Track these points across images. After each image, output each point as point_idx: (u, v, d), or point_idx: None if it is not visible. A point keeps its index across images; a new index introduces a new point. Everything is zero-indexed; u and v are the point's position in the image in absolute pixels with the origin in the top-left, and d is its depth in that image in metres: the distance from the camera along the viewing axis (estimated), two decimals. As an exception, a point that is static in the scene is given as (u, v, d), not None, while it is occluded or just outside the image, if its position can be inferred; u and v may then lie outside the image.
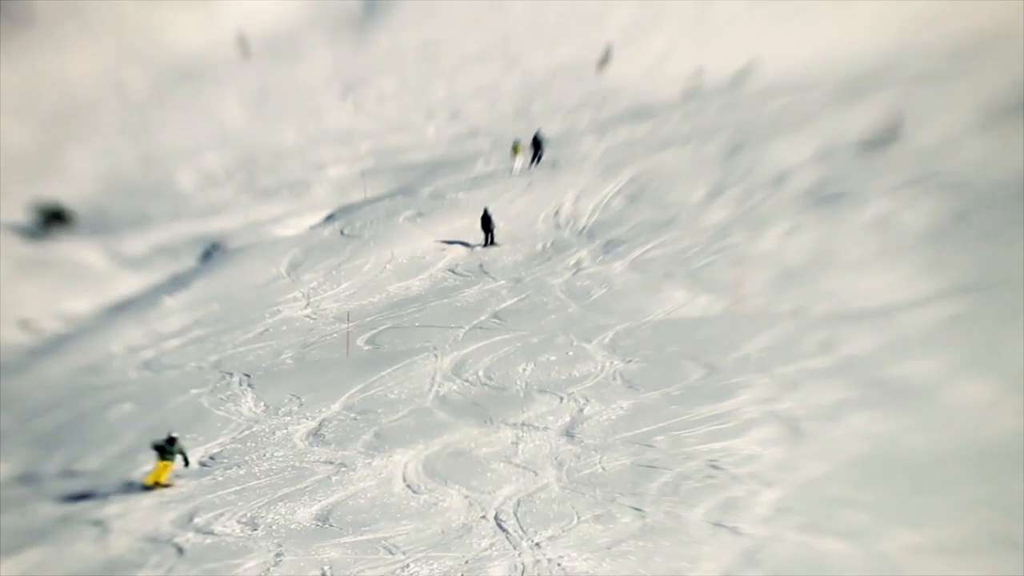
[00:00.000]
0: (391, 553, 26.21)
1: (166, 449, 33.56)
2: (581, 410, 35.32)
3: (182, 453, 33.75)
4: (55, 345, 55.83)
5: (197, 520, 30.08)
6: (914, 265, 44.94)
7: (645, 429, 32.74)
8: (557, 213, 61.48)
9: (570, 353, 41.18)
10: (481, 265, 55.87)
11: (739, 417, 32.67)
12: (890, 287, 43.49)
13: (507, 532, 26.77)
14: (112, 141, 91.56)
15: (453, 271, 56.04)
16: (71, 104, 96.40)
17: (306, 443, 35.82)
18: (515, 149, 68.30)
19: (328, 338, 48.66)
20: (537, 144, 69.22)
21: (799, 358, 37.26)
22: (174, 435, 33.82)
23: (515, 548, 25.72)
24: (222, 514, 30.31)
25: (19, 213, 73.79)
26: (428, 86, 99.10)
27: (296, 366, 45.30)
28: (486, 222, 58.33)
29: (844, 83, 71.56)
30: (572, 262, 54.25)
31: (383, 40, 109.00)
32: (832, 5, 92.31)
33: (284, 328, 51.01)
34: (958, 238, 46.60)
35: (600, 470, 30.34)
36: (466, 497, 29.49)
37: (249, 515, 29.86)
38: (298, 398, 40.00)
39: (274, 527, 28.86)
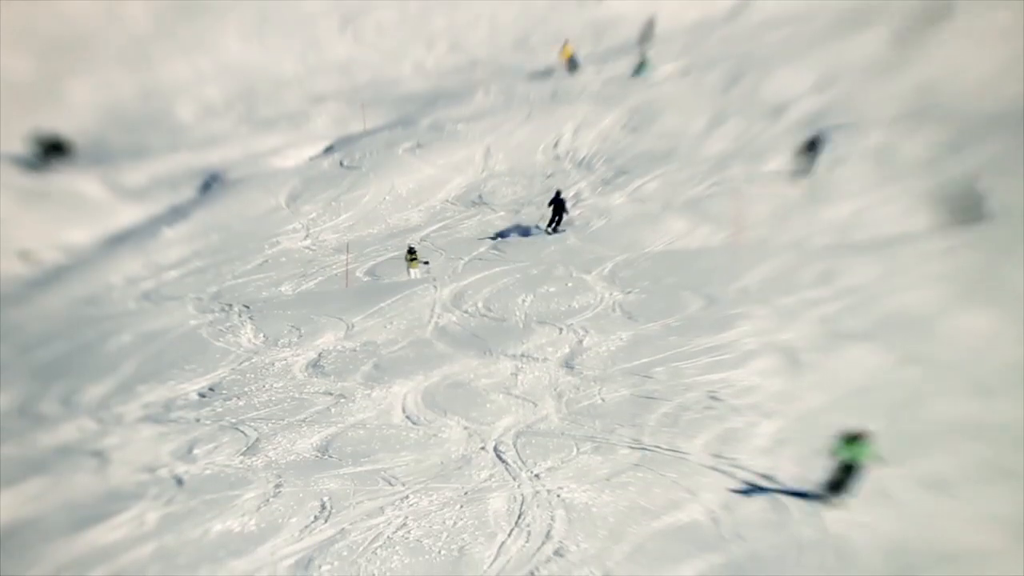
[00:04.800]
0: (390, 484, 26.26)
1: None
2: (580, 341, 35.34)
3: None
4: (54, 276, 55.76)
5: (196, 451, 30.10)
6: (913, 196, 44.88)
7: (644, 360, 32.77)
8: (556, 144, 61.32)
9: (569, 284, 41.17)
10: (480, 196, 55.78)
11: (739, 348, 32.70)
12: (889, 218, 43.43)
13: (506, 463, 26.81)
14: (111, 72, 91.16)
15: (452, 202, 55.97)
16: (71, 35, 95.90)
17: (305, 374, 35.85)
18: (411, 257, 47.17)
19: (327, 269, 48.64)
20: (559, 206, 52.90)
21: (798, 289, 37.26)
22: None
23: (514, 479, 25.76)
24: (221, 445, 30.35)
25: (18, 144, 73.52)
26: (427, 16, 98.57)
27: (295, 297, 45.30)
28: (558, 206, 50.92)
29: (843, 14, 71.18)
30: (571, 193, 54.16)
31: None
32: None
33: (283, 259, 50.97)
34: (958, 169, 46.52)
35: (599, 401, 30.38)
36: (465, 428, 29.53)
37: (248, 446, 29.90)
38: (297, 329, 40.01)
39: (273, 458, 28.89)
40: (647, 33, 74.76)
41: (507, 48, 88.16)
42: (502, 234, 50.20)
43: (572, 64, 66.12)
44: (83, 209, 66.40)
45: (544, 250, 46.79)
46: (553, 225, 50.22)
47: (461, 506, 24.56)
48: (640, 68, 66.47)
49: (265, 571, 22.54)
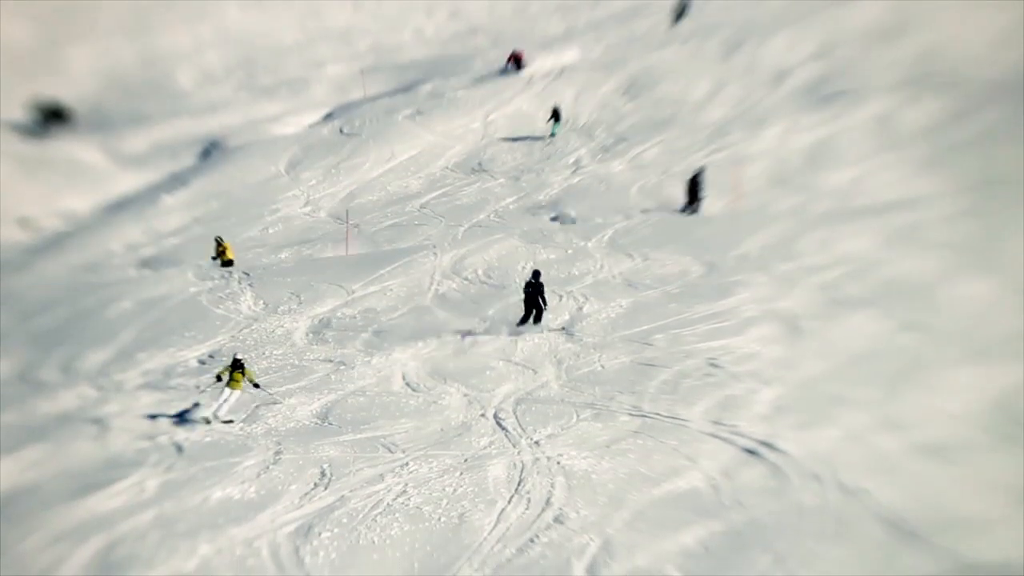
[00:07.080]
0: (390, 451, 26.23)
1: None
2: (580, 308, 35.33)
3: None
4: (54, 243, 55.74)
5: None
6: (913, 163, 44.84)
7: (644, 327, 32.75)
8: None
9: (569, 251, 41.13)
10: (480, 163, 55.68)
11: (738, 315, 32.67)
12: (889, 185, 43.39)
13: (506, 430, 26.79)
14: (111, 39, 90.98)
15: (452, 169, 55.88)
16: (70, 1, 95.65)
17: (305, 341, 35.82)
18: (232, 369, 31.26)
19: (327, 236, 48.59)
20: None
21: (798, 256, 37.24)
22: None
23: (514, 446, 25.75)
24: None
25: (18, 111, 73.49)
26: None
27: (295, 264, 45.24)
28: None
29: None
30: (571, 160, 54.09)
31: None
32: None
33: (283, 226, 50.92)
34: (958, 136, 46.46)
35: (599, 368, 30.36)
36: (465, 395, 29.50)
37: (248, 413, 29.86)
38: (297, 296, 39.97)
39: (273, 425, 28.86)
40: (681, 9, 74.19)
41: (507, 16, 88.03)
42: None
43: None
44: (83, 176, 66.44)
45: (544, 217, 46.80)
46: (528, 320, 34.93)
47: (461, 473, 24.55)
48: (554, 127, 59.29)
49: (265, 538, 22.54)
